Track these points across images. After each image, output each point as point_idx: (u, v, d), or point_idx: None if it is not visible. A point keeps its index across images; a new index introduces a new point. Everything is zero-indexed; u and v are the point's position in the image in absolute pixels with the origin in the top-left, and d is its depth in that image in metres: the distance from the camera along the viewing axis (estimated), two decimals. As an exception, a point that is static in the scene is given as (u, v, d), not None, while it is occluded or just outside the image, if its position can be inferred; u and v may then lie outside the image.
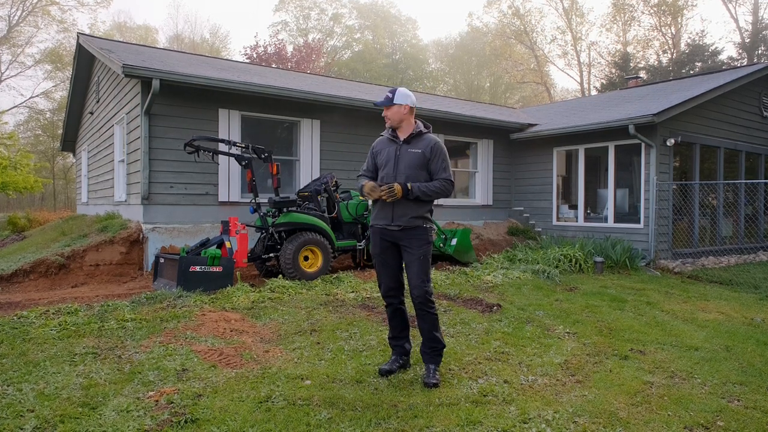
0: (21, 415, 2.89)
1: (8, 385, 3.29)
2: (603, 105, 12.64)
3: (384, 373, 3.60)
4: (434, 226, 3.60)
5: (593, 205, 11.20)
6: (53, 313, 4.95)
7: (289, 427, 2.81)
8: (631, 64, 29.84)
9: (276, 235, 6.97)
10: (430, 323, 3.56)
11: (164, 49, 17.98)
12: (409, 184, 3.49)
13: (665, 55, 33.19)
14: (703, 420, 3.06)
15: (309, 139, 9.40)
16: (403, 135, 3.65)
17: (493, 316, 5.33)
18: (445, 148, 3.66)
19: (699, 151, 10.35)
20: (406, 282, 3.68)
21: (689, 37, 31.09)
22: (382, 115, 3.70)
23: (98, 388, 3.27)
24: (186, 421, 2.82)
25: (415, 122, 3.69)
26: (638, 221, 9.83)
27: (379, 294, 6.13)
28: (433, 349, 3.58)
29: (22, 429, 2.74)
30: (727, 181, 10.45)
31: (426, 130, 3.68)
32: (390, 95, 3.63)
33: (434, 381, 3.43)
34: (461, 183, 12.73)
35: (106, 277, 7.39)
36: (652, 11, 34.35)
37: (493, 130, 11.80)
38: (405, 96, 3.61)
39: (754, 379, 3.76)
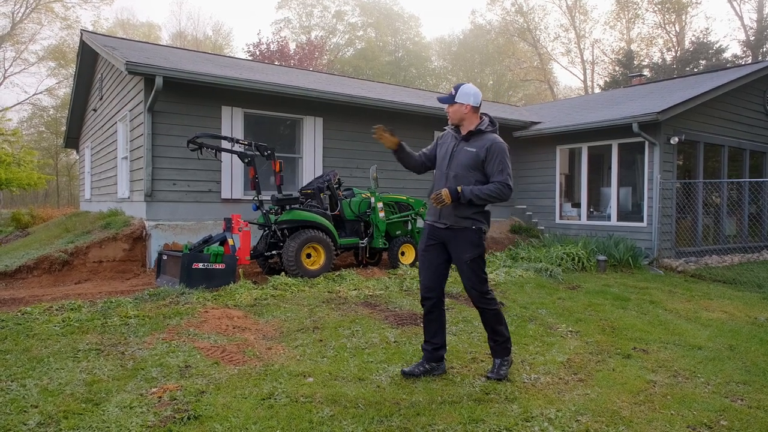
0: (25, 411, 2.90)
1: (12, 381, 3.31)
2: (606, 103, 12.60)
3: (406, 375, 3.49)
4: (485, 227, 3.51)
5: (596, 203, 11.17)
6: (57, 310, 4.96)
7: (291, 424, 2.81)
8: (635, 62, 29.75)
9: (279, 233, 6.97)
10: (491, 318, 3.52)
11: (167, 46, 17.99)
12: (459, 188, 3.34)
13: (669, 53, 33.09)
14: (706, 419, 3.05)
15: (312, 137, 9.40)
16: (463, 131, 3.53)
17: (496, 314, 5.32)
18: (506, 149, 3.46)
19: (703, 149, 10.30)
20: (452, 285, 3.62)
21: (693, 35, 31.01)
22: (445, 110, 3.59)
23: (101, 384, 3.28)
24: (189, 418, 2.83)
25: (481, 118, 3.55)
26: (641, 220, 9.80)
27: (381, 292, 6.17)
28: (497, 342, 3.55)
29: (25, 424, 2.75)
30: (731, 180, 10.40)
31: (488, 129, 3.50)
32: (453, 92, 3.50)
33: (497, 376, 3.41)
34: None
35: (110, 274, 7.41)
36: (656, 9, 34.20)
37: (496, 128, 11.75)
38: (467, 95, 3.47)
39: (758, 379, 3.75)
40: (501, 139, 3.47)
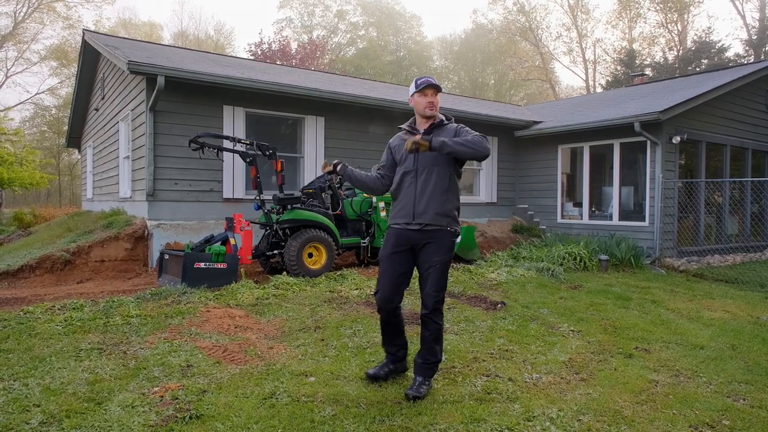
0: (27, 410, 2.91)
1: (14, 380, 3.32)
2: (608, 102, 12.58)
3: (370, 378, 3.38)
4: (458, 230, 3.33)
5: (598, 202, 11.16)
6: (59, 309, 4.97)
7: (293, 423, 2.81)
8: (637, 61, 29.70)
9: (280, 232, 6.98)
10: (434, 334, 3.28)
11: (169, 45, 18.00)
12: (439, 139, 3.12)
13: (671, 52, 33.01)
14: (708, 419, 3.04)
15: (313, 136, 9.40)
16: (422, 127, 3.35)
17: (497, 314, 5.32)
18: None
19: (705, 148, 10.28)
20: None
21: (695, 34, 30.94)
22: (428, 101, 3.31)
23: (103, 384, 3.28)
24: (191, 417, 2.83)
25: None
26: (643, 219, 9.79)
27: (383, 291, 6.16)
28: (426, 361, 3.29)
29: (28, 423, 2.76)
30: (733, 179, 10.38)
31: (448, 121, 3.42)
32: (436, 82, 3.35)
33: (416, 393, 3.14)
34: (465, 180, 12.69)
35: (111, 273, 7.42)
36: (658, 8, 34.14)
37: (497, 128, 11.76)
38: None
39: (760, 378, 3.74)
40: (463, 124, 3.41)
